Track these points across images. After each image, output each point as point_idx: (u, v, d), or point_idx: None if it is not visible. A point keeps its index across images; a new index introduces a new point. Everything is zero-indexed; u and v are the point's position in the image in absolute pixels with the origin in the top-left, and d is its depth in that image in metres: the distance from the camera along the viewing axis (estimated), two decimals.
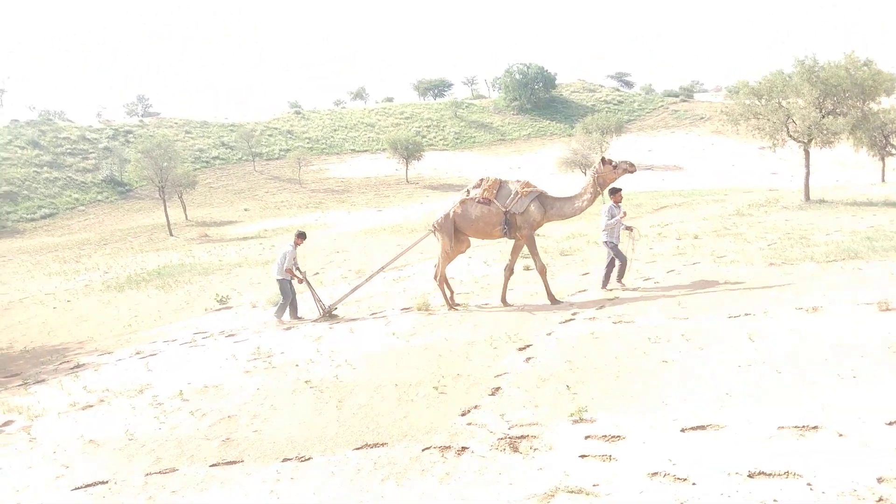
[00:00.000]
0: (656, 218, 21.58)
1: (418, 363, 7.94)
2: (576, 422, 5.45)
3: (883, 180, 28.99)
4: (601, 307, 9.48)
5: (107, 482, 5.76)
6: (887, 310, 7.23)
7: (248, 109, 73.76)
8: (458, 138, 64.09)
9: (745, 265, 10.94)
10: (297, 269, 11.87)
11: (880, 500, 3.66)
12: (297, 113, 67.94)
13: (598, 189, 10.38)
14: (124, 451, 6.45)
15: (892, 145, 27.94)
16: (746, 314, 7.93)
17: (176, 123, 61.84)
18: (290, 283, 11.75)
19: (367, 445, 5.71)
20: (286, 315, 11.80)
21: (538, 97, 69.38)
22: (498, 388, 6.63)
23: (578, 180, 39.81)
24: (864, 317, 7.14)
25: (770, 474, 4.09)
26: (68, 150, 52.35)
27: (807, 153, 22.65)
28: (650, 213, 23.66)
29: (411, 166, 51.46)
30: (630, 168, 10.31)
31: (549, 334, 8.45)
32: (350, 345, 9.23)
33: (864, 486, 3.80)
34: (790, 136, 22.28)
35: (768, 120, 22.41)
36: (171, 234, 35.54)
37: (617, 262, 10.64)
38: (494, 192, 10.62)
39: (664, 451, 4.63)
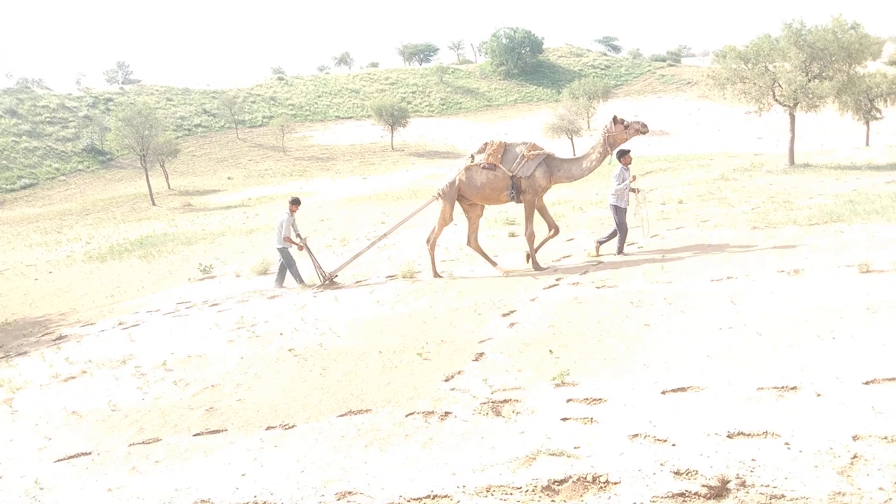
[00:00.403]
0: (641, 183, 21.54)
1: (402, 330, 7.93)
2: (558, 385, 5.47)
3: (867, 144, 29.07)
4: (585, 272, 9.49)
5: (90, 453, 5.75)
6: (867, 272, 7.28)
7: (231, 76, 72.50)
8: (444, 104, 63.52)
9: (728, 229, 10.98)
10: (298, 235, 11.72)
11: (855, 457, 3.70)
12: (281, 79, 66.94)
13: (608, 149, 10.15)
14: (107, 422, 6.43)
15: (877, 109, 27.96)
16: (729, 277, 7.97)
17: (157, 91, 60.81)
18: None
19: (350, 412, 5.71)
20: (290, 281, 11.70)
21: (525, 62, 68.71)
22: (482, 354, 6.65)
23: (565, 146, 39.73)
24: (844, 279, 7.20)
25: (749, 434, 4.13)
26: (47, 119, 51.41)
27: (792, 117, 22.64)
28: (640, 175, 23.63)
29: (397, 133, 51.03)
30: (642, 129, 10.03)
31: (534, 300, 8.46)
32: (334, 313, 9.21)
33: (840, 444, 3.85)
34: (776, 100, 22.22)
35: (755, 84, 22.32)
36: (154, 204, 35.19)
37: (618, 231, 10.47)
38: (500, 156, 10.34)
39: (645, 414, 4.66)
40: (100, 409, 6.79)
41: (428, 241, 11.02)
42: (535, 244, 10.36)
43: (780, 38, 22.17)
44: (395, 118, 49.72)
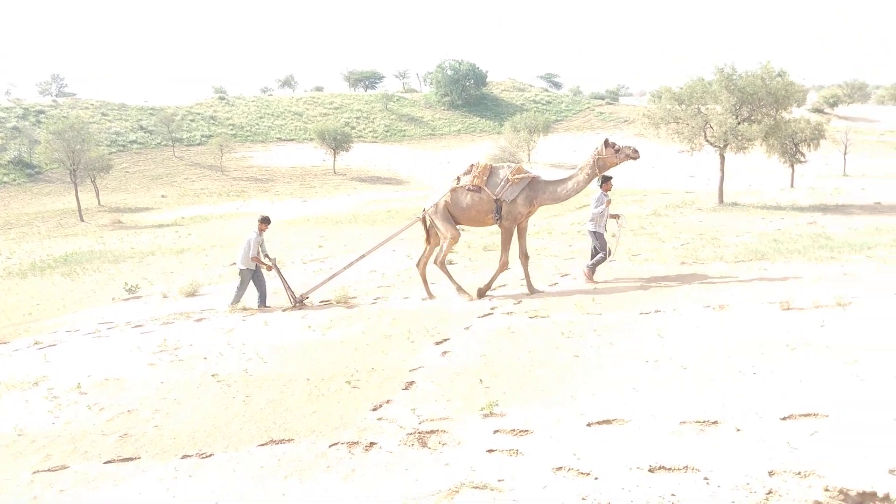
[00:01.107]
0: (577, 216, 21.98)
1: (333, 357, 7.77)
2: (486, 416, 5.42)
3: (792, 186, 30.45)
4: (519, 302, 9.54)
5: None
6: (789, 309, 7.53)
7: (170, 93, 71.03)
8: (388, 131, 63.66)
9: (658, 263, 11.25)
10: (266, 255, 11.25)
11: (770, 492, 3.76)
12: (222, 98, 65.92)
13: (597, 171, 10.00)
14: (11, 448, 6.03)
15: (801, 153, 29.36)
16: (657, 311, 8.12)
17: (92, 105, 58.96)
18: (258, 272, 11.20)
19: (272, 441, 5.52)
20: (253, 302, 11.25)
21: (469, 94, 69.66)
22: (412, 383, 6.55)
23: None
24: (767, 315, 7.42)
25: (670, 469, 4.16)
26: None
27: (722, 158, 23.55)
28: (571, 210, 24.06)
29: (339, 157, 50.79)
30: (633, 154, 9.89)
31: (468, 328, 8.43)
32: (263, 337, 8.96)
33: (757, 479, 3.91)
34: (707, 140, 23.11)
35: (687, 125, 23.19)
36: (82, 220, 33.90)
37: (598, 254, 10.52)
38: (485, 178, 10.20)
39: (570, 446, 4.65)
40: (4, 433, 6.37)
41: (437, 261, 10.79)
42: (526, 272, 10.39)
43: (713, 82, 23.15)
44: (338, 142, 49.51)
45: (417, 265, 11.00)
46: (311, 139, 53.53)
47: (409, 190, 42.24)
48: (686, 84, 23.70)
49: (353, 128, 60.70)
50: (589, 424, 5.01)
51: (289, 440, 5.51)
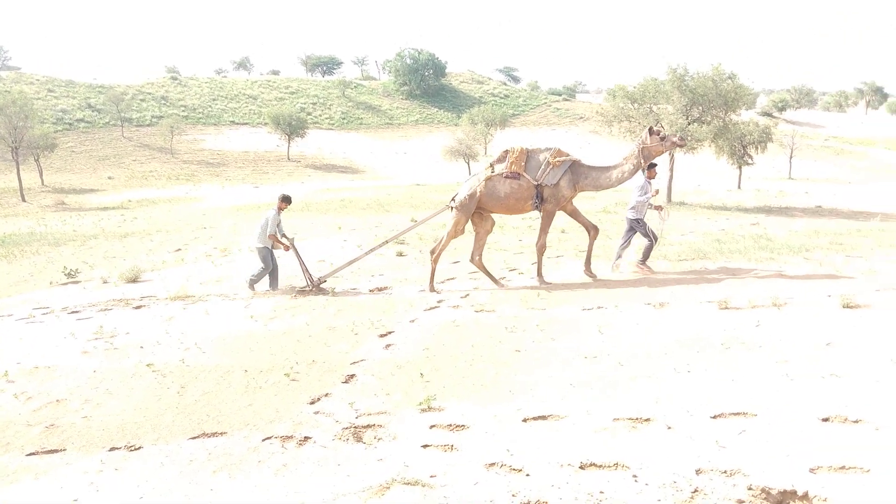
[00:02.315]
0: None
1: (274, 348, 7.64)
2: (424, 410, 5.40)
3: (739, 187, 31.23)
4: (466, 296, 9.54)
5: None
6: (726, 308, 7.70)
7: (120, 71, 68.78)
8: (344, 118, 63.02)
9: (604, 260, 11.36)
10: (284, 235, 10.91)
11: (696, 491, 3.82)
12: (174, 79, 64.30)
13: (642, 161, 9.72)
14: None
15: (749, 155, 30.14)
16: (599, 307, 8.22)
17: (38, 80, 56.88)
18: (272, 253, 10.82)
19: (204, 434, 5.39)
20: (263, 285, 10.89)
21: (428, 84, 69.45)
22: (352, 376, 6.48)
23: (461, 169, 40.29)
24: (704, 314, 7.57)
25: (600, 466, 4.20)
26: None
27: (672, 157, 23.97)
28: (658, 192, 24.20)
29: (294, 143, 50.08)
30: (680, 142, 9.69)
31: (413, 321, 8.40)
32: (203, 327, 8.76)
33: (684, 477, 3.97)
34: None
35: (639, 123, 23.52)
36: (24, 200, 32.72)
37: (644, 242, 10.35)
38: (522, 163, 9.81)
39: (504, 442, 4.66)
40: None
41: (432, 252, 10.42)
42: (539, 262, 10.16)
43: (665, 82, 23.53)
44: (293, 128, 48.79)
45: (472, 260, 10.48)
46: (266, 124, 52.65)
47: (365, 179, 41.95)
48: (639, 83, 24.04)
49: (308, 114, 59.93)
50: (525, 420, 5.03)
51: (221, 433, 5.39)
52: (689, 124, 22.78)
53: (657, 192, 10.37)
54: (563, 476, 4.09)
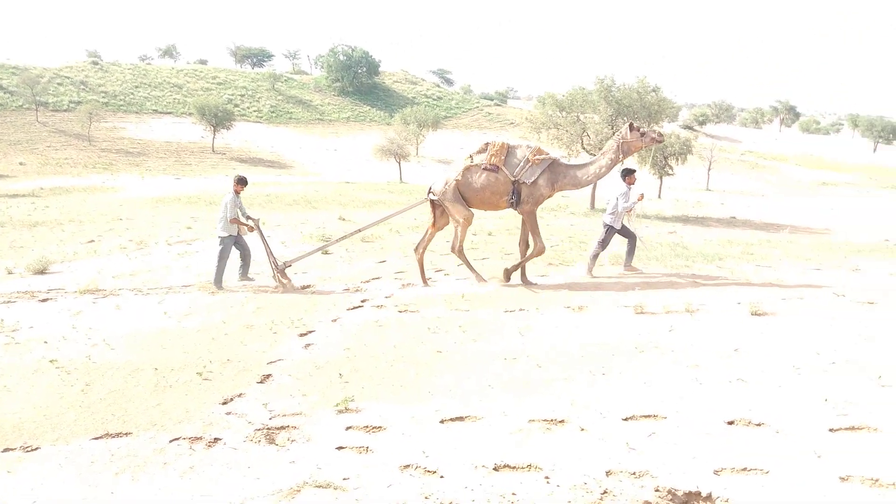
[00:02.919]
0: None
1: (187, 346, 7.37)
2: (341, 412, 5.31)
3: (659, 196, 32.28)
4: (390, 296, 9.46)
5: None
6: (642, 313, 7.91)
7: (37, 52, 65.27)
8: (273, 112, 61.70)
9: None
10: (248, 217, 10.42)
11: (605, 492, 3.89)
12: (95, 63, 61.42)
13: (620, 156, 9.61)
14: None
15: (670, 166, 31.20)
16: (521, 309, 8.30)
17: None
18: (237, 241, 10.34)
19: (108, 435, 5.14)
20: (230, 279, 10.39)
21: (361, 81, 68.78)
22: (268, 376, 6.32)
23: (393, 169, 40.11)
24: (621, 318, 7.76)
25: (514, 467, 4.22)
26: None
27: None
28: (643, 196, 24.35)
29: (219, 135, 48.67)
30: (658, 138, 9.64)
31: (335, 320, 8.27)
32: (113, 322, 8.37)
33: (594, 479, 4.03)
34: (584, 148, 24.03)
35: (567, 131, 24.01)
36: None
37: (627, 245, 10.46)
38: (502, 157, 9.61)
39: (421, 443, 4.63)
40: None
41: (453, 249, 10.20)
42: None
43: (593, 92, 24.09)
44: (219, 119, 47.40)
45: (416, 250, 10.34)
46: (191, 114, 50.90)
47: (293, 174, 41.21)
48: (568, 92, 24.53)
49: (236, 105, 58.37)
50: (442, 421, 5.02)
51: (126, 433, 5.15)
52: (613, 134, 23.36)
53: (642, 196, 10.45)
54: (476, 477, 4.09)
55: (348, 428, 4.97)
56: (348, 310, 8.77)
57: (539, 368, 6.12)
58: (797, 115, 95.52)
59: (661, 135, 9.79)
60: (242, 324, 8.18)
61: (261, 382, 6.16)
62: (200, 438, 4.93)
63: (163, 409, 5.58)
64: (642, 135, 9.62)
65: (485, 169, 9.70)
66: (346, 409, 5.35)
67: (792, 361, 6.01)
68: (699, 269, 10.77)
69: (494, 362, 6.37)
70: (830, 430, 4.61)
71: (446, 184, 9.95)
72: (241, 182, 10.61)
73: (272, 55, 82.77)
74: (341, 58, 68.77)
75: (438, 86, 79.69)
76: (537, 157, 9.68)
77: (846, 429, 4.62)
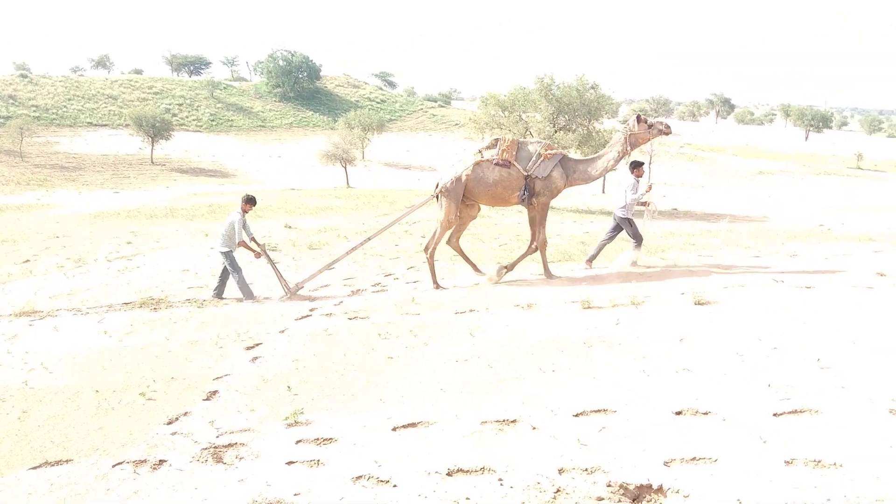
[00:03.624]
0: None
1: (129, 366, 7.14)
2: (290, 425, 5.21)
3: (603, 192, 32.79)
4: (340, 303, 9.36)
5: None
6: (589, 308, 7.99)
7: None
8: (213, 120, 60.47)
9: (477, 264, 11.53)
10: (253, 239, 10.12)
11: (558, 490, 3.90)
12: (24, 76, 59.19)
13: (628, 149, 9.70)
14: None
15: None
16: (471, 310, 8.31)
17: None
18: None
19: (47, 463, 4.93)
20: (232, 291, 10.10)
21: (302, 87, 67.98)
22: (215, 392, 6.16)
23: (339, 174, 39.75)
24: (569, 314, 7.82)
25: (468, 471, 4.20)
26: None
27: None
28: (401, 210, 24.24)
29: (158, 146, 47.42)
30: (666, 129, 9.68)
31: (283, 332, 8.13)
32: (51, 345, 8.05)
33: (547, 478, 4.04)
34: None
35: (510, 131, 24.17)
36: None
37: (632, 243, 10.45)
38: (514, 153, 9.58)
39: (373, 453, 4.57)
40: None
41: (426, 249, 10.05)
42: (543, 259, 10.02)
43: (533, 91, 24.33)
44: (157, 130, 46.16)
45: (449, 243, 10.37)
46: (127, 125, 49.40)
47: (236, 184, 40.43)
48: (510, 92, 24.72)
49: (174, 115, 56.98)
50: (395, 429, 4.97)
51: (67, 461, 4.95)
52: (555, 132, 23.69)
53: (650, 187, 10.53)
54: (430, 484, 4.05)
55: (298, 441, 4.88)
56: (296, 320, 8.64)
57: (490, 369, 6.12)
58: (732, 107, 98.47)
59: (668, 126, 9.87)
60: (187, 340, 7.97)
61: (207, 399, 6.00)
62: (145, 461, 4.77)
63: (105, 433, 5.38)
64: (650, 126, 9.72)
65: (497, 164, 9.68)
66: (296, 423, 5.25)
67: (735, 349, 6.15)
68: (644, 262, 10.96)
69: (446, 365, 6.35)
70: (774, 414, 4.72)
71: (454, 179, 9.87)
72: (250, 201, 10.35)
73: (210, 62, 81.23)
74: (281, 63, 67.85)
75: (381, 89, 79.42)
76: (549, 151, 9.74)
77: (789, 413, 4.74)
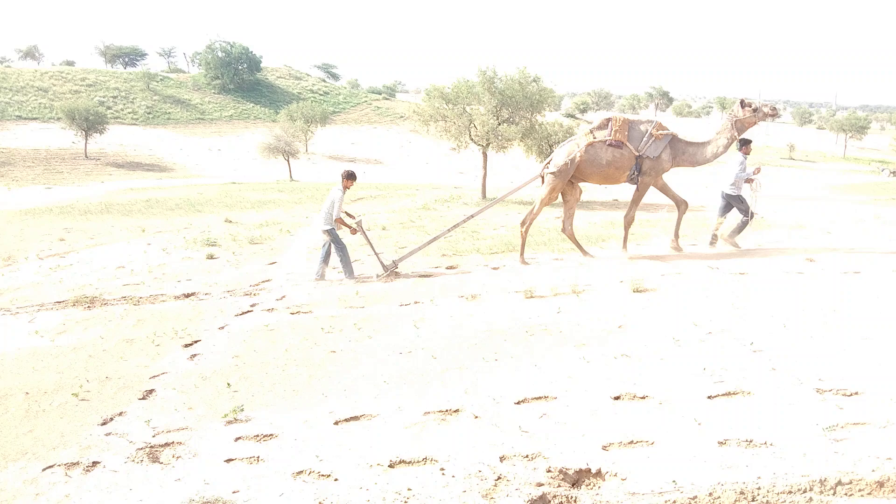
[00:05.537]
0: (351, 209, 21.98)
1: (62, 366, 6.89)
2: (230, 423, 5.11)
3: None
4: (282, 298, 9.23)
5: None
6: (531, 297, 8.10)
7: None
8: (150, 113, 58.69)
9: (422, 256, 11.53)
10: (349, 215, 10.15)
11: (499, 478, 3.94)
12: None
13: (735, 135, 9.82)
14: None
15: None
16: (416, 302, 8.31)
17: None
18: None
19: None
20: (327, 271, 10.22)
21: (242, 78, 66.50)
22: (151, 391, 6.00)
23: (282, 167, 39.15)
24: (512, 303, 7.91)
25: (410, 462, 4.20)
26: None
27: (485, 156, 24.93)
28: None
29: (92, 140, 45.82)
30: (772, 112, 9.77)
31: (222, 328, 7.97)
32: None
33: (488, 466, 4.08)
34: (472, 139, 24.29)
35: (454, 123, 24.17)
36: None
37: (739, 218, 10.48)
38: (626, 133, 9.73)
39: (314, 447, 4.52)
40: None
41: (523, 223, 10.46)
42: (626, 235, 10.54)
43: (476, 84, 24.36)
44: (90, 123, 44.56)
45: (563, 230, 10.65)
46: (59, 119, 47.57)
47: (175, 178, 39.40)
48: (453, 84, 24.71)
49: (109, 108, 55.10)
50: (337, 423, 4.93)
51: None
52: (499, 124, 23.78)
53: (759, 169, 10.61)
54: (371, 477, 4.04)
55: (238, 439, 4.80)
56: (236, 316, 8.49)
57: (434, 360, 6.13)
58: (671, 100, 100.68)
59: (774, 108, 9.98)
60: (122, 338, 7.74)
61: (143, 399, 5.84)
62: (77, 464, 4.61)
63: (35, 436, 5.18)
64: (755, 111, 9.84)
65: (609, 145, 9.89)
66: (235, 420, 5.15)
67: (672, 334, 6.32)
68: (585, 252, 11.14)
69: (390, 358, 6.34)
70: (709, 397, 4.87)
71: (568, 158, 10.06)
72: (351, 177, 10.26)
73: (145, 53, 78.72)
74: (220, 54, 66.25)
75: (324, 81, 78.43)
76: (660, 132, 9.91)
77: (723, 395, 4.90)
